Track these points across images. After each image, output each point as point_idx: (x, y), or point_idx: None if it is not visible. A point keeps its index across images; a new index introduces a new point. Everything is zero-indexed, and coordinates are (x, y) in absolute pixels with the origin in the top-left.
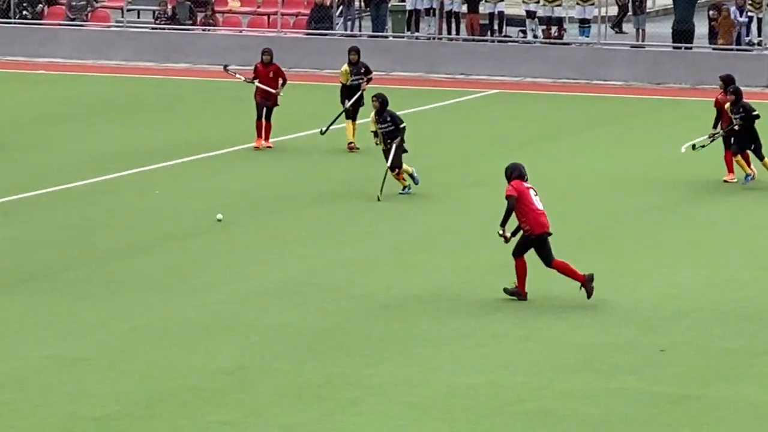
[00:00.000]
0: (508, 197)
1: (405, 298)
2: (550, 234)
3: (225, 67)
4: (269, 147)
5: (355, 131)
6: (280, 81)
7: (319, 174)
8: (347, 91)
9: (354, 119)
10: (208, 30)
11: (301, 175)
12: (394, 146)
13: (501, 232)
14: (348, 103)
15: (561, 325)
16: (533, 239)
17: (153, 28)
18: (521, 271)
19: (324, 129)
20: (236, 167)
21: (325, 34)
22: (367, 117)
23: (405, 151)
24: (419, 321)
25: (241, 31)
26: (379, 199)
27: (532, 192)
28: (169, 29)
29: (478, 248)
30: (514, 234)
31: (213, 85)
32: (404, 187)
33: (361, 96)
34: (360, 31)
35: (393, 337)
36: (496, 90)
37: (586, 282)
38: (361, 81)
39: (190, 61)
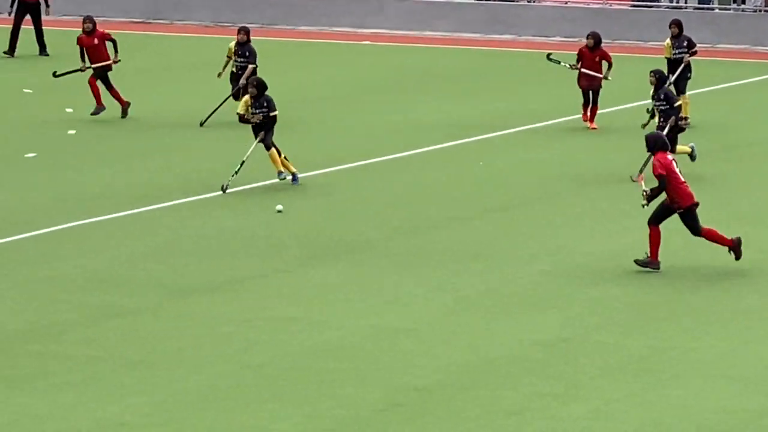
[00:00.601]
0: (659, 177)
1: (729, 271)
2: (698, 204)
3: (548, 56)
4: (594, 129)
5: (687, 105)
6: (606, 64)
7: (642, 148)
8: (671, 65)
9: (683, 92)
10: (534, 1)
11: (623, 149)
12: (668, 126)
13: (644, 194)
14: (672, 77)
15: None
16: (682, 212)
17: (478, 0)
18: (655, 240)
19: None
20: (559, 140)
21: (651, 7)
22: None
23: (681, 129)
24: (743, 294)
25: (566, 3)
26: (633, 180)
27: (674, 164)
28: (494, 0)
29: None
30: (653, 197)
31: (538, 57)
32: None
33: (685, 69)
34: (686, 3)
35: (717, 310)
36: None
37: (735, 246)
38: (684, 54)
39: (514, 32)
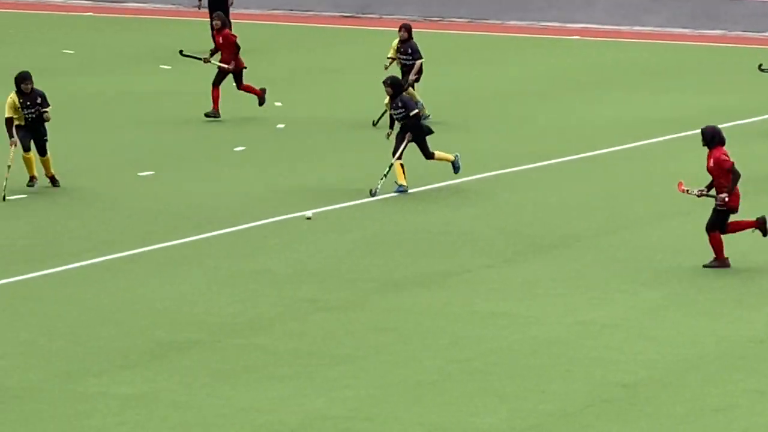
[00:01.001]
0: (732, 169)
1: None
2: (736, 210)
3: (759, 66)
4: None
5: None
6: None
7: None
8: None
9: None
10: None
11: None
12: None
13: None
14: None
15: None
16: (727, 210)
17: None
18: (718, 244)
19: None
20: (757, 139)
21: None
22: None
23: None
24: None
25: None
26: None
27: None
28: None
29: None
30: (708, 189)
31: (747, 52)
32: None
33: None
34: None
35: None
36: None
37: (760, 224)
38: None
39: (724, 27)
